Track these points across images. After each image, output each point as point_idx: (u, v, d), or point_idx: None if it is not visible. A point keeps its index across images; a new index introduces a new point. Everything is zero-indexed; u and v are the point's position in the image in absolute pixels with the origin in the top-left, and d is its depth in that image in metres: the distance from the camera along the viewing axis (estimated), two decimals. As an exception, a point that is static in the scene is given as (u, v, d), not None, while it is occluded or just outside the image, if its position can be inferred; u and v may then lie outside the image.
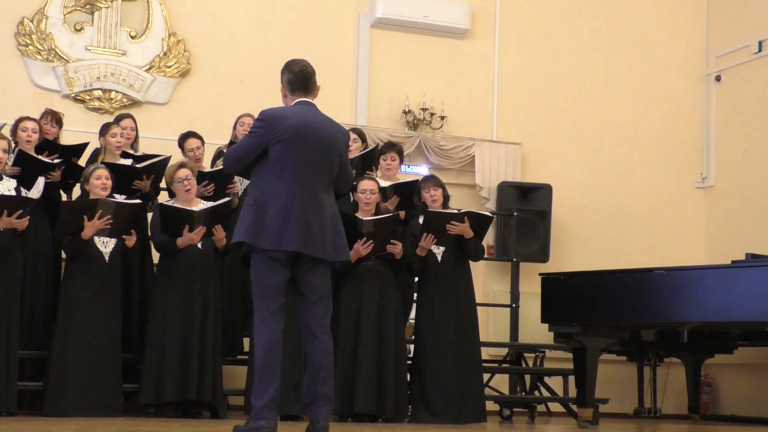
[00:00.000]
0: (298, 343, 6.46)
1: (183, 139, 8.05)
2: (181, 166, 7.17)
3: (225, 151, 8.07)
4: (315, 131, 5.26)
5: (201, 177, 7.45)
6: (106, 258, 6.93)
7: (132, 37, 10.29)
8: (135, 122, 8.19)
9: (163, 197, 7.84)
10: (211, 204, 7.03)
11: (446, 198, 7.56)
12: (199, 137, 8.06)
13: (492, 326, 10.88)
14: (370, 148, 8.19)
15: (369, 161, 7.96)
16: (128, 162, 7.68)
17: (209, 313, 7.08)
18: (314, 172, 5.25)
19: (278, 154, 5.19)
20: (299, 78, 5.37)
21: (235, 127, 8.27)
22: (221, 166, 7.67)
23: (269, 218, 5.15)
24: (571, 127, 11.76)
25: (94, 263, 6.88)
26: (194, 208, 6.96)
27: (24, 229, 6.64)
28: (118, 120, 8.12)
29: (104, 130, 7.72)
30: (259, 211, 5.17)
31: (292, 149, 5.20)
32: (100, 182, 6.90)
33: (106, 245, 6.94)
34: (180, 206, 7.00)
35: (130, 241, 6.91)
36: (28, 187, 6.96)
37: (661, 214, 11.91)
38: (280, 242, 5.14)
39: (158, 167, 7.63)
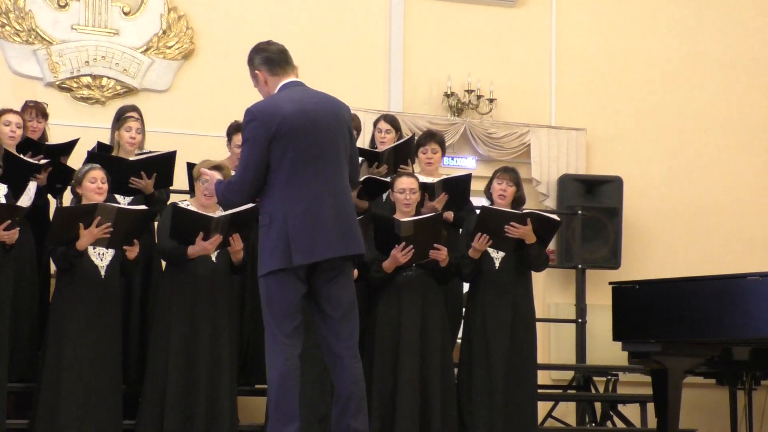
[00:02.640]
0: (323, 368, 6.46)
1: (234, 130, 7.94)
2: (216, 168, 6.99)
3: None
4: (317, 113, 5.27)
5: None
6: (102, 273, 6.90)
7: (125, 14, 10.33)
8: (140, 114, 8.16)
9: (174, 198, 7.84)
10: (232, 210, 6.98)
11: (518, 200, 7.53)
12: None
13: (555, 345, 10.86)
14: (406, 138, 8.17)
15: (404, 153, 7.93)
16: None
17: (221, 337, 7.05)
18: (330, 159, 5.27)
19: (281, 153, 5.17)
20: (277, 53, 5.39)
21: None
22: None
23: (294, 228, 5.15)
24: (644, 110, 11.71)
25: (87, 280, 6.86)
26: (211, 214, 6.92)
27: (13, 243, 6.66)
28: (123, 113, 8.02)
29: (119, 121, 7.72)
30: (278, 226, 5.18)
31: (297, 141, 5.18)
32: (94, 185, 6.85)
33: (102, 258, 6.92)
34: (196, 210, 6.99)
35: (132, 252, 6.87)
36: (15, 193, 6.98)
37: (753, 210, 11.83)
38: (314, 252, 5.15)
39: (160, 163, 7.57)
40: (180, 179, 7.94)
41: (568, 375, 10.23)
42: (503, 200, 7.45)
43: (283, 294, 5.21)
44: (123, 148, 7.63)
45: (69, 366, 6.77)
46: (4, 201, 6.71)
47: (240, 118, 8.14)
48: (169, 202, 7.58)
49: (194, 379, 6.94)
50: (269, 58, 5.38)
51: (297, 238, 5.15)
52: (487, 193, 7.57)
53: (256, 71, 5.41)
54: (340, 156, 5.32)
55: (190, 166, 7.44)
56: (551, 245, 10.92)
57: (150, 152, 7.79)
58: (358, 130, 8.27)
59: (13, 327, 7.17)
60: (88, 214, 6.65)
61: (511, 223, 7.26)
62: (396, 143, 7.96)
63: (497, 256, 7.46)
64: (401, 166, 7.83)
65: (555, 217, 7.76)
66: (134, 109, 8.06)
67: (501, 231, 7.27)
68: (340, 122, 5.34)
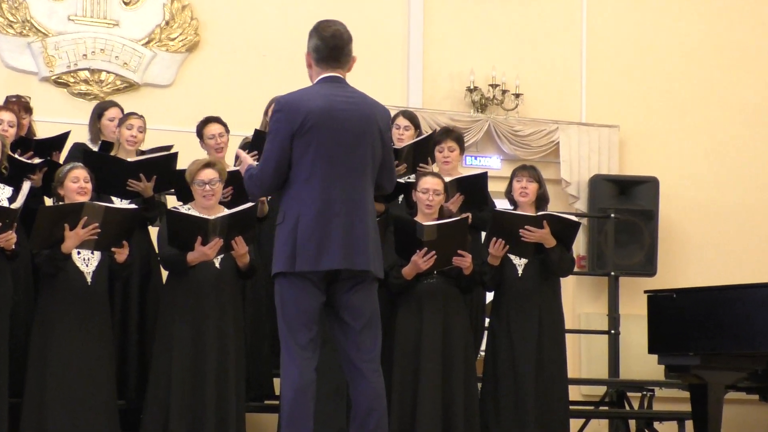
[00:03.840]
0: (340, 380, 6.45)
1: (203, 125, 8.03)
2: (208, 165, 7.07)
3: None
4: (346, 113, 5.26)
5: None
6: (88, 279, 6.85)
7: (126, 4, 10.34)
8: (122, 111, 8.20)
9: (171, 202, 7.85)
10: (229, 210, 6.96)
11: (542, 198, 7.48)
12: (223, 123, 8.03)
13: (586, 359, 10.83)
14: (425, 135, 8.16)
15: (423, 151, 7.88)
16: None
17: (229, 348, 7.00)
18: (352, 164, 5.26)
19: (303, 150, 5.20)
20: (329, 46, 5.34)
21: (266, 113, 8.25)
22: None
23: (302, 232, 5.16)
24: (682, 105, 11.68)
25: (72, 287, 6.80)
26: (209, 216, 6.88)
27: (12, 249, 6.61)
28: (105, 108, 8.12)
29: (122, 118, 7.76)
30: (289, 226, 5.19)
31: (320, 140, 5.19)
32: (76, 185, 6.82)
33: (87, 263, 6.88)
34: (190, 213, 6.96)
35: (121, 254, 6.81)
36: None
37: (799, 211, 11.81)
38: (319, 261, 5.15)
39: (161, 165, 7.53)
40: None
41: (601, 390, 10.18)
42: (526, 198, 7.40)
43: (297, 301, 5.21)
44: (123, 148, 7.64)
45: (54, 381, 6.72)
46: (7, 204, 6.68)
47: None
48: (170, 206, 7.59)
49: (201, 394, 6.88)
50: (318, 48, 5.34)
51: (303, 244, 5.17)
52: (509, 195, 7.52)
53: (306, 51, 5.40)
54: (365, 164, 5.31)
55: (180, 173, 7.45)
56: (581, 250, 10.92)
57: (150, 151, 7.81)
58: None
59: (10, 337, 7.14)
60: (74, 213, 6.61)
61: (526, 226, 7.23)
62: (415, 140, 7.95)
63: (520, 262, 7.43)
64: (420, 165, 7.81)
65: (573, 217, 7.72)
66: (116, 104, 8.18)
67: (517, 235, 7.23)
68: (371, 127, 5.33)
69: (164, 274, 7.37)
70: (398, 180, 7.54)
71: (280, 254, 5.23)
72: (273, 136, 5.26)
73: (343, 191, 5.23)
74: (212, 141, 7.92)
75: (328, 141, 5.21)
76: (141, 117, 7.80)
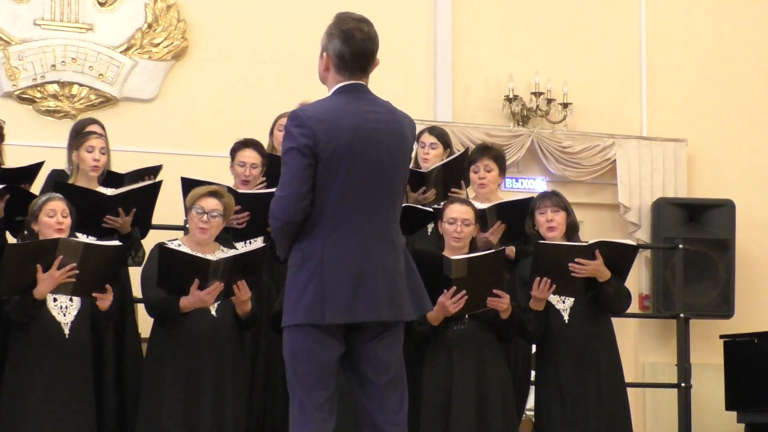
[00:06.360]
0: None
1: (238, 147, 7.92)
2: (214, 194, 7.05)
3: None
4: (377, 133, 5.17)
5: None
6: (66, 331, 6.85)
7: (101, 4, 10.41)
8: (103, 129, 8.18)
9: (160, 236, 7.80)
10: (235, 251, 6.95)
11: (572, 227, 7.44)
12: (261, 152, 7.87)
13: (651, 416, 10.85)
14: (457, 153, 8.12)
15: (456, 174, 7.89)
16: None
17: (226, 416, 6.97)
18: (384, 195, 5.19)
19: (330, 179, 5.09)
20: (356, 56, 5.20)
21: (272, 133, 8.25)
22: (259, 190, 7.64)
23: (329, 279, 5.08)
24: (759, 115, 11.69)
25: (47, 340, 6.80)
26: (210, 256, 6.87)
27: None
28: (83, 127, 8.08)
29: (77, 140, 7.68)
30: (312, 270, 5.11)
31: (349, 168, 5.10)
32: (53, 220, 6.83)
33: (65, 311, 6.87)
34: (190, 252, 6.94)
35: (104, 301, 6.80)
36: None
37: None
38: (354, 310, 5.08)
39: (143, 195, 7.54)
40: (173, 212, 7.88)
41: (670, 454, 10.17)
42: (555, 232, 7.33)
43: (312, 353, 5.15)
44: (84, 174, 7.56)
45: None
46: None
47: (243, 130, 8.23)
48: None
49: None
50: (341, 55, 5.19)
51: (333, 290, 5.08)
52: (531, 231, 7.45)
53: (325, 53, 5.30)
54: (397, 191, 5.27)
55: (186, 184, 7.41)
56: (644, 288, 10.89)
57: (133, 173, 7.77)
58: None
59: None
60: (47, 251, 6.62)
61: (576, 259, 7.17)
62: (445, 161, 7.90)
63: (564, 306, 7.38)
64: (452, 189, 7.78)
65: (629, 241, 7.68)
66: (94, 122, 8.10)
67: (564, 271, 7.17)
68: (402, 148, 5.27)
69: (141, 320, 7.33)
70: (427, 208, 7.53)
71: (299, 301, 5.12)
72: (296, 155, 5.10)
73: (375, 227, 5.17)
74: (242, 169, 7.81)
75: (359, 168, 5.12)
76: (101, 136, 7.73)
